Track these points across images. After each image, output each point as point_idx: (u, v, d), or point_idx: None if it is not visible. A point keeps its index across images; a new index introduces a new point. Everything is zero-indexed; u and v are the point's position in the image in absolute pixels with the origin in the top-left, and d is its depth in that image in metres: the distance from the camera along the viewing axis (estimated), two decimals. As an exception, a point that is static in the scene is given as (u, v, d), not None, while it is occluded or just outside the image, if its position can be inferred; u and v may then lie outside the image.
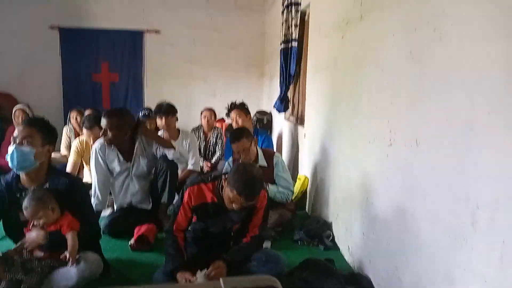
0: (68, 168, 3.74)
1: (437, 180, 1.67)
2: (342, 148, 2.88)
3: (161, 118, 3.83)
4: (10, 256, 2.06)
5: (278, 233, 3.02)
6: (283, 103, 4.29)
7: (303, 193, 3.74)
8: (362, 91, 2.50)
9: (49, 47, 6.07)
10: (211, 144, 4.65)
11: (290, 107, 4.52)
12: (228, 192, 2.08)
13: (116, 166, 3.08)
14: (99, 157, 3.06)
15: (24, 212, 2.08)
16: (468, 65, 1.48)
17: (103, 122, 2.97)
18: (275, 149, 4.63)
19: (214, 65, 6.49)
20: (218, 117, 5.09)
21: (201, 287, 0.55)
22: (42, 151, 2.14)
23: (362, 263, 2.47)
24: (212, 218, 2.30)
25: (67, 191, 2.17)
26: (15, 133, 2.18)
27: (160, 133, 3.86)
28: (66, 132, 4.65)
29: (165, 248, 2.30)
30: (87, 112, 4.47)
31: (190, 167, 3.90)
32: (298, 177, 3.89)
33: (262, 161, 3.13)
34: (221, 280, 0.51)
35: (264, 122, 5.63)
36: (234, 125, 4.07)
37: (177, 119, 3.96)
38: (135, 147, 3.09)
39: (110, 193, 3.23)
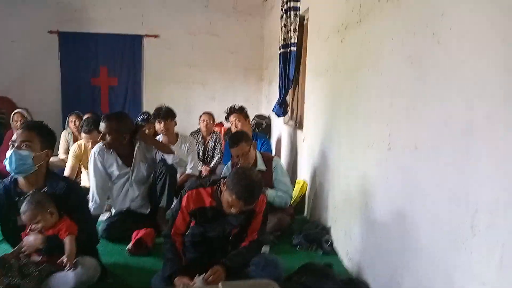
0: (66, 172, 3.73)
1: (436, 184, 1.66)
2: (341, 152, 2.88)
3: (160, 122, 3.83)
4: (7, 260, 2.04)
5: (277, 238, 3.01)
6: (282, 107, 4.29)
7: (302, 198, 3.74)
8: (361, 95, 2.50)
9: (48, 51, 6.08)
10: (209, 148, 4.64)
11: (289, 111, 4.53)
12: (227, 196, 2.08)
13: (114, 170, 3.08)
14: (98, 161, 3.05)
15: (22, 216, 2.07)
16: (466, 69, 1.48)
17: (102, 126, 2.97)
18: (274, 153, 4.63)
19: (213, 69, 6.50)
20: (216, 121, 5.09)
21: (200, 291, 0.54)
22: (40, 155, 2.14)
23: (361, 267, 2.46)
24: (211, 223, 2.29)
25: (66, 195, 2.17)
26: (14, 136, 2.17)
27: (159, 137, 3.85)
28: (64, 136, 4.64)
29: (163, 252, 2.29)
30: (85, 116, 4.46)
31: (188, 171, 3.90)
32: (297, 181, 3.89)
33: (261, 165, 3.12)
34: (220, 284, 0.50)
35: (263, 126, 5.63)
36: (233, 129, 4.07)
37: (176, 123, 3.96)
38: (135, 153, 3.09)
39: (108, 197, 3.22)
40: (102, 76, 6.33)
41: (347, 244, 2.70)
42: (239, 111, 4.15)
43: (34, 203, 2.06)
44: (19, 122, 4.54)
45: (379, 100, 2.24)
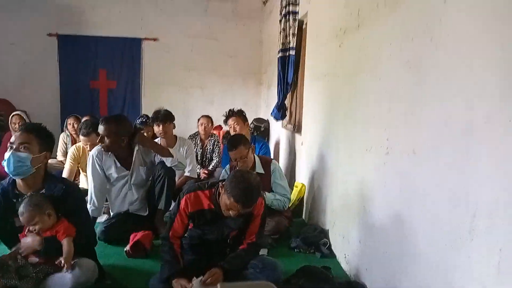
0: (64, 175, 3.73)
1: (435, 187, 1.67)
2: (340, 156, 2.89)
3: (158, 125, 3.83)
4: (5, 261, 2.05)
5: (275, 241, 3.01)
6: (280, 111, 4.31)
7: (300, 201, 3.74)
8: (359, 100, 2.52)
9: (47, 54, 6.09)
10: (208, 151, 4.65)
11: (288, 115, 4.54)
12: (225, 199, 2.08)
13: (113, 173, 3.08)
14: (96, 163, 3.05)
15: (20, 217, 2.07)
16: (464, 72, 1.50)
17: (101, 128, 2.97)
18: (272, 157, 4.64)
19: (211, 73, 6.52)
20: (215, 124, 5.10)
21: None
22: (39, 157, 2.14)
23: (358, 270, 2.46)
24: (209, 225, 2.29)
25: (64, 197, 2.17)
26: (12, 138, 2.17)
27: (157, 140, 3.86)
28: (62, 138, 4.64)
29: (161, 254, 2.29)
30: (84, 119, 4.47)
31: (187, 173, 3.90)
32: (295, 184, 3.90)
33: (260, 169, 3.13)
34: (218, 285, 0.51)
35: (261, 130, 5.64)
36: (232, 132, 4.08)
37: (174, 126, 3.96)
38: (134, 156, 3.09)
39: (106, 200, 3.22)
40: (101, 79, 6.35)
41: (345, 248, 2.71)
42: (238, 114, 4.15)
43: (32, 205, 2.06)
44: (17, 124, 4.55)
45: (377, 105, 2.25)
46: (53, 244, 2.08)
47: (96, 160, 3.05)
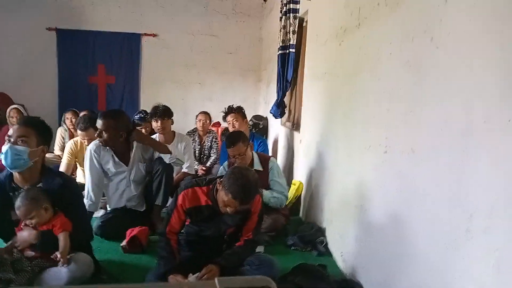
0: (62, 169, 3.71)
1: (433, 187, 1.67)
2: (338, 155, 2.89)
3: (157, 121, 3.82)
4: (0, 255, 2.04)
5: (271, 238, 3.01)
6: (279, 109, 4.30)
7: (298, 199, 3.74)
8: (359, 99, 2.52)
9: (46, 48, 6.07)
10: (206, 147, 4.65)
11: (287, 112, 4.54)
12: (222, 196, 2.08)
13: (111, 168, 3.07)
14: (94, 158, 3.04)
15: (17, 211, 2.07)
16: (464, 73, 1.50)
17: (99, 123, 2.96)
18: (270, 154, 4.64)
19: (211, 69, 6.51)
20: (213, 121, 5.09)
21: (196, 286, 0.54)
22: (36, 151, 2.13)
23: (355, 269, 2.47)
24: (206, 222, 2.29)
25: (61, 191, 2.16)
26: (10, 132, 2.16)
27: (155, 136, 3.85)
28: (60, 133, 4.63)
29: (158, 250, 2.29)
30: (82, 114, 4.46)
31: (184, 170, 3.89)
32: (292, 182, 3.90)
33: (258, 166, 3.13)
34: (216, 279, 0.51)
35: (260, 127, 5.64)
36: (231, 129, 4.07)
37: (172, 122, 3.95)
38: (133, 153, 3.08)
39: (103, 195, 3.21)
40: (99, 74, 6.33)
41: (342, 246, 2.71)
42: (237, 111, 4.15)
43: (28, 199, 2.05)
44: (15, 118, 4.54)
45: (377, 104, 2.25)
46: (49, 238, 2.07)
47: (94, 155, 3.04)
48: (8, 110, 4.69)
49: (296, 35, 3.94)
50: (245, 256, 2.28)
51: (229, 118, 4.14)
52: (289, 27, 3.95)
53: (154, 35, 6.33)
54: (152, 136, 3.76)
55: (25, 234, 2.08)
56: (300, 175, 3.88)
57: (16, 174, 2.16)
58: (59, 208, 2.16)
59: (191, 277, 2.07)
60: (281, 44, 4.11)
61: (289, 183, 3.82)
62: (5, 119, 4.74)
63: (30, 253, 2.09)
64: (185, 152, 3.85)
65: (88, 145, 3.36)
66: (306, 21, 4.00)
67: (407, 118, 1.91)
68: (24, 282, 1.97)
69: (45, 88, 6.13)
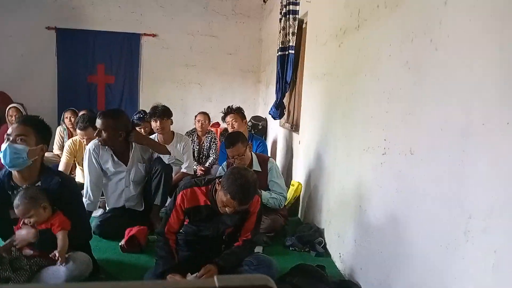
0: (60, 168, 3.71)
1: (431, 188, 1.68)
2: (337, 156, 2.90)
3: (156, 121, 3.82)
4: (-1, 253, 2.04)
5: (270, 239, 3.01)
6: (278, 110, 4.31)
7: (296, 199, 3.75)
8: (358, 99, 2.52)
9: (46, 47, 6.06)
10: (204, 148, 4.65)
11: (286, 114, 4.54)
12: (221, 196, 2.08)
13: (110, 167, 3.07)
14: (93, 157, 3.04)
15: (15, 210, 2.06)
16: (463, 74, 1.50)
17: (98, 122, 2.96)
18: (269, 155, 4.64)
19: (210, 70, 6.51)
20: (213, 121, 5.09)
21: (195, 285, 0.55)
22: (35, 150, 2.12)
23: (353, 270, 2.47)
24: (205, 222, 2.29)
25: (60, 190, 2.16)
26: (9, 130, 2.16)
27: (154, 135, 3.85)
28: (59, 132, 4.63)
29: (156, 250, 2.29)
30: (81, 113, 4.45)
31: (183, 170, 3.89)
32: (291, 183, 3.90)
33: (257, 166, 3.13)
34: (215, 277, 0.51)
35: (259, 128, 5.65)
36: (230, 129, 4.07)
37: (172, 122, 3.95)
38: (132, 154, 3.07)
39: (102, 194, 3.21)
40: (99, 73, 6.32)
41: (340, 247, 2.72)
42: (237, 111, 4.15)
43: (27, 198, 2.05)
44: (14, 117, 4.53)
45: (376, 105, 2.26)
46: (48, 237, 2.07)
47: (93, 154, 3.04)
48: (7, 109, 4.68)
49: (295, 36, 3.95)
50: (243, 256, 2.28)
51: (228, 118, 4.14)
52: (289, 28, 3.96)
53: (154, 35, 6.34)
54: (151, 136, 3.76)
55: (23, 233, 2.08)
56: (299, 176, 3.88)
57: (15, 173, 2.16)
58: (58, 207, 2.15)
59: (190, 277, 2.07)
60: (280, 46, 4.12)
61: (287, 184, 3.82)
62: (4, 118, 4.73)
63: (28, 251, 2.08)
64: (184, 152, 3.85)
65: (87, 144, 3.35)
66: (306, 23, 4.00)
67: (407, 119, 1.92)
68: (23, 281, 1.97)
69: (44, 87, 6.12)
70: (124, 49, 6.32)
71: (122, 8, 6.22)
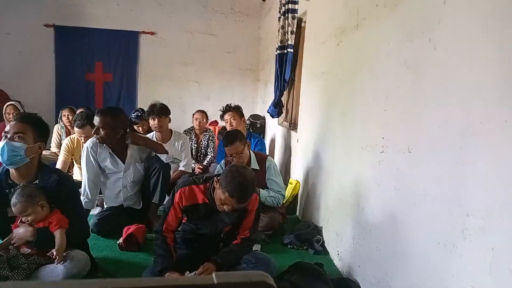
0: (58, 166, 3.71)
1: (429, 187, 1.68)
2: (336, 154, 2.90)
3: (154, 119, 3.81)
4: (-3, 251, 2.03)
5: (268, 237, 3.02)
6: (277, 108, 4.30)
7: (295, 198, 3.75)
8: (357, 98, 2.52)
9: (44, 45, 6.04)
10: (202, 146, 4.64)
11: (284, 112, 4.54)
12: (219, 194, 2.08)
13: (108, 165, 3.06)
14: (91, 155, 3.03)
15: (13, 208, 2.05)
16: (462, 73, 1.51)
17: (96, 120, 2.95)
18: (267, 153, 4.64)
19: (209, 69, 6.50)
20: (211, 119, 5.09)
21: (193, 281, 0.54)
22: (33, 148, 2.12)
23: (351, 268, 2.47)
24: (203, 220, 2.29)
25: (57, 188, 2.15)
26: (7, 128, 2.15)
27: (152, 134, 3.84)
28: (57, 130, 4.61)
29: (154, 248, 2.29)
30: (79, 111, 4.44)
31: (181, 168, 3.89)
32: (289, 181, 3.90)
33: (255, 165, 3.13)
34: (213, 274, 0.51)
35: (257, 126, 5.64)
36: (228, 127, 4.07)
37: (170, 120, 3.94)
38: (130, 153, 3.07)
39: (100, 192, 3.21)
40: (97, 71, 6.30)
41: (338, 245, 2.72)
42: (235, 110, 4.15)
43: (25, 196, 2.04)
44: (11, 114, 4.52)
45: (375, 103, 2.26)
46: (45, 236, 2.06)
47: (91, 152, 3.03)
48: (4, 106, 4.67)
49: (294, 35, 3.94)
50: (241, 254, 2.28)
51: (226, 116, 4.14)
52: (288, 27, 3.95)
53: (152, 33, 6.32)
54: (149, 134, 3.76)
55: (21, 231, 2.07)
56: (297, 174, 3.89)
57: (12, 171, 2.15)
58: (55, 205, 2.15)
59: (188, 275, 2.07)
60: (279, 44, 4.11)
61: (286, 182, 3.83)
62: (1, 116, 4.72)
63: (26, 250, 2.08)
64: (182, 150, 3.85)
65: (84, 142, 3.34)
66: (305, 22, 4.00)
67: (406, 118, 1.92)
68: (20, 279, 1.96)
69: (42, 85, 6.10)
70: (122, 47, 6.30)
71: (120, 6, 6.20)
